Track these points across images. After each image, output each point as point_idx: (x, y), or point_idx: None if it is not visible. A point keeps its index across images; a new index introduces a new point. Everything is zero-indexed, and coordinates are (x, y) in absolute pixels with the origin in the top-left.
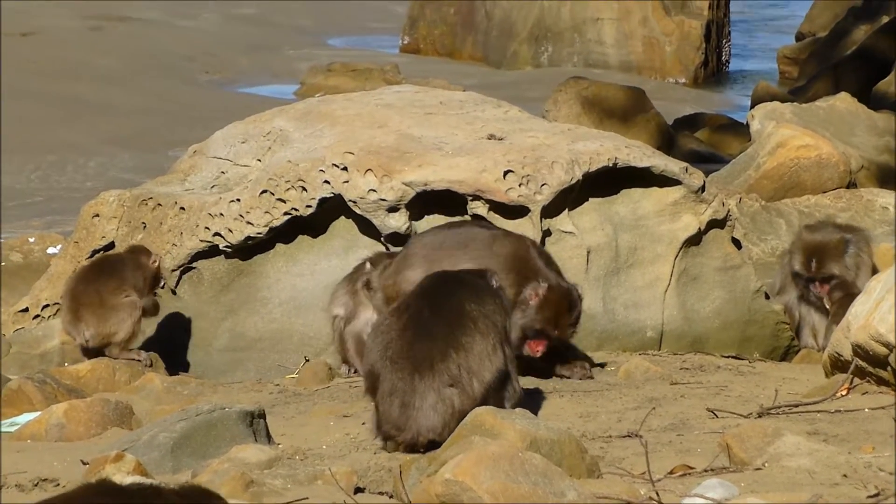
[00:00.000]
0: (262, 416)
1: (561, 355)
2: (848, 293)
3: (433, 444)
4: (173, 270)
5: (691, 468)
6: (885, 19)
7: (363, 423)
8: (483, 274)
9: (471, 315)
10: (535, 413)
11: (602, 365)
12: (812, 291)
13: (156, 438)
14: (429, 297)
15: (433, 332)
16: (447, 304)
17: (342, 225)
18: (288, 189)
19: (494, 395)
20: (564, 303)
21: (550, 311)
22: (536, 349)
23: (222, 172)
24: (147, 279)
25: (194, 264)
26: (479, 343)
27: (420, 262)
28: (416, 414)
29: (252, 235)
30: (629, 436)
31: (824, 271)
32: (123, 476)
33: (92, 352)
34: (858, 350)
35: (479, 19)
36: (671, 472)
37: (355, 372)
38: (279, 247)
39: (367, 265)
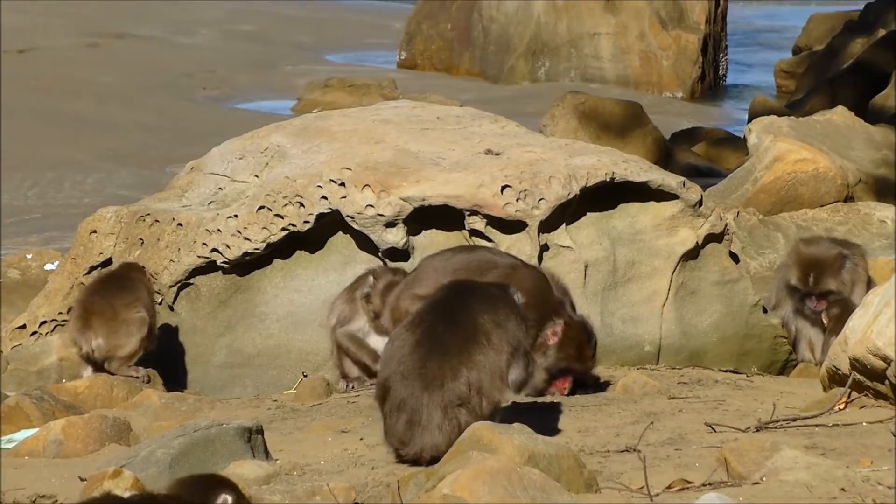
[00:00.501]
0: (260, 431)
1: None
2: (844, 308)
3: (436, 460)
4: (171, 286)
5: (689, 482)
6: (882, 33)
7: (361, 439)
8: (503, 286)
9: (485, 329)
10: (533, 428)
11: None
12: (808, 306)
13: (154, 454)
14: (443, 310)
15: (446, 349)
16: (461, 318)
17: (340, 240)
18: (285, 205)
19: (501, 407)
20: (583, 336)
21: (572, 348)
22: (564, 387)
23: (220, 188)
24: (153, 297)
25: (192, 280)
26: (493, 359)
27: (433, 285)
28: (421, 431)
29: (250, 251)
30: (627, 450)
31: (821, 286)
32: (121, 492)
33: (93, 362)
34: (856, 364)
35: (475, 34)
36: (669, 487)
37: (353, 387)
38: (277, 262)
39: (371, 278)
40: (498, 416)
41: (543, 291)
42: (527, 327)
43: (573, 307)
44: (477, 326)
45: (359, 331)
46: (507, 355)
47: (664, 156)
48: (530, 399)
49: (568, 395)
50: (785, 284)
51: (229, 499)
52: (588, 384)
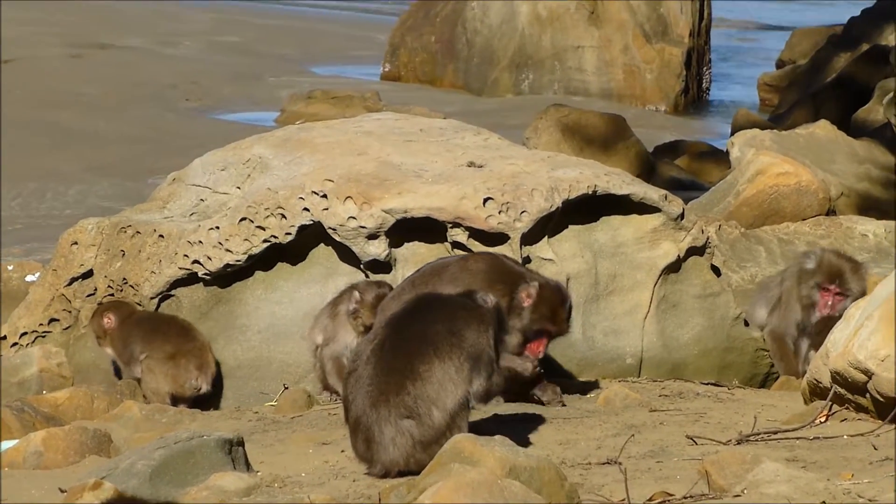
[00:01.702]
0: (241, 443)
1: (538, 379)
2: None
3: (406, 473)
4: (152, 298)
5: (670, 495)
6: (865, 47)
7: (342, 451)
8: (469, 294)
9: (432, 339)
10: (515, 440)
11: (583, 391)
12: (817, 312)
13: (134, 466)
14: (395, 325)
15: (391, 365)
16: (410, 331)
17: (322, 252)
18: (267, 216)
19: (462, 414)
20: (558, 297)
21: (547, 308)
22: (538, 350)
23: (201, 200)
24: None
25: (173, 292)
26: (438, 369)
27: (398, 298)
28: (378, 448)
29: (231, 263)
30: (608, 463)
31: (847, 286)
32: None
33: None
34: (837, 377)
35: (459, 47)
36: (650, 499)
37: (336, 399)
38: (258, 274)
39: (356, 293)
40: (463, 421)
41: (500, 266)
42: (494, 334)
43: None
44: (425, 338)
45: (345, 348)
46: (461, 361)
47: (647, 169)
48: (511, 411)
49: (556, 403)
50: (806, 285)
51: None
52: (573, 391)
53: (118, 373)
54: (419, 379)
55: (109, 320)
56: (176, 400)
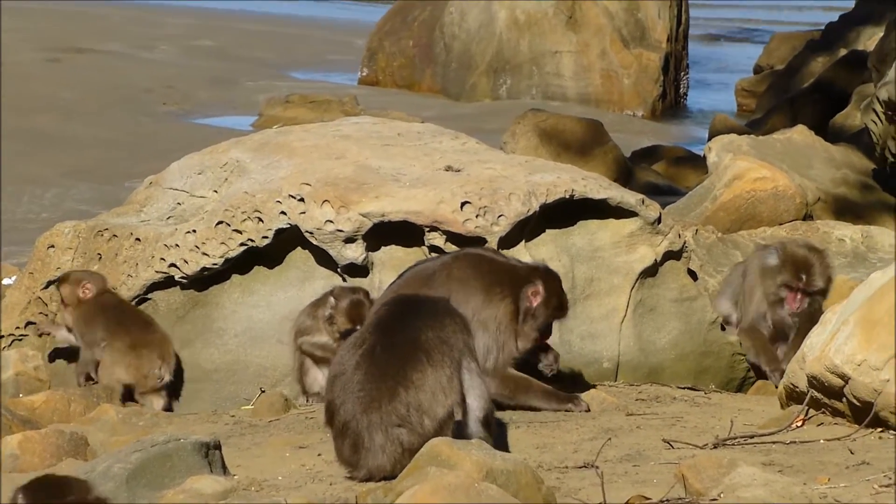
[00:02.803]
0: (218, 447)
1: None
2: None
3: (391, 477)
4: (129, 301)
5: (647, 499)
6: (843, 52)
7: (319, 454)
8: (445, 300)
9: (425, 347)
10: (492, 443)
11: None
12: (787, 308)
13: (111, 469)
14: (383, 330)
15: (384, 371)
16: (400, 337)
17: (299, 256)
18: (244, 220)
19: (449, 422)
20: (558, 283)
21: (556, 299)
22: (547, 336)
23: (178, 203)
24: None
25: (150, 295)
26: (431, 377)
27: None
28: (365, 454)
29: (208, 266)
30: (585, 466)
31: (814, 284)
32: None
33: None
34: (814, 381)
35: (437, 52)
36: (627, 503)
37: (312, 402)
38: (235, 278)
39: (331, 299)
40: (449, 430)
41: (492, 263)
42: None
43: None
44: (417, 345)
45: (325, 344)
46: (452, 371)
47: (624, 174)
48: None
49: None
50: (772, 284)
51: None
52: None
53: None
54: (412, 387)
55: (87, 290)
56: (130, 391)
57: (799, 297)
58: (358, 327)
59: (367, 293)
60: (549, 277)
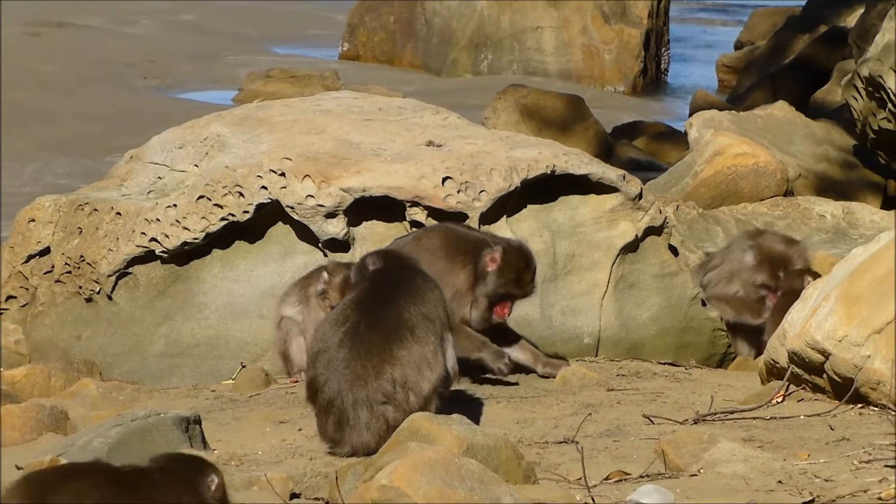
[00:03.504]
0: (198, 421)
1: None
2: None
3: (373, 453)
4: (109, 276)
5: (627, 474)
6: (824, 28)
7: (299, 430)
8: (426, 274)
9: (409, 323)
10: (472, 419)
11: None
12: (767, 304)
13: (91, 444)
14: (366, 307)
15: (368, 348)
16: (384, 314)
17: (279, 231)
18: (225, 195)
19: (434, 398)
20: (522, 259)
21: (512, 272)
22: (503, 313)
23: (159, 178)
24: None
25: (130, 269)
26: (416, 353)
27: None
28: (350, 431)
29: (188, 241)
30: (565, 442)
31: (791, 283)
32: None
33: None
34: (794, 357)
35: (418, 27)
36: (607, 478)
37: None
38: (216, 252)
39: (325, 274)
40: (433, 405)
41: (458, 234)
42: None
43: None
44: (401, 321)
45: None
46: (436, 345)
47: (605, 149)
48: (470, 390)
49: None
50: (751, 284)
51: (216, 479)
52: (530, 370)
53: (78, 350)
54: (398, 363)
55: None
56: None
57: (779, 294)
58: None
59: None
60: (512, 250)
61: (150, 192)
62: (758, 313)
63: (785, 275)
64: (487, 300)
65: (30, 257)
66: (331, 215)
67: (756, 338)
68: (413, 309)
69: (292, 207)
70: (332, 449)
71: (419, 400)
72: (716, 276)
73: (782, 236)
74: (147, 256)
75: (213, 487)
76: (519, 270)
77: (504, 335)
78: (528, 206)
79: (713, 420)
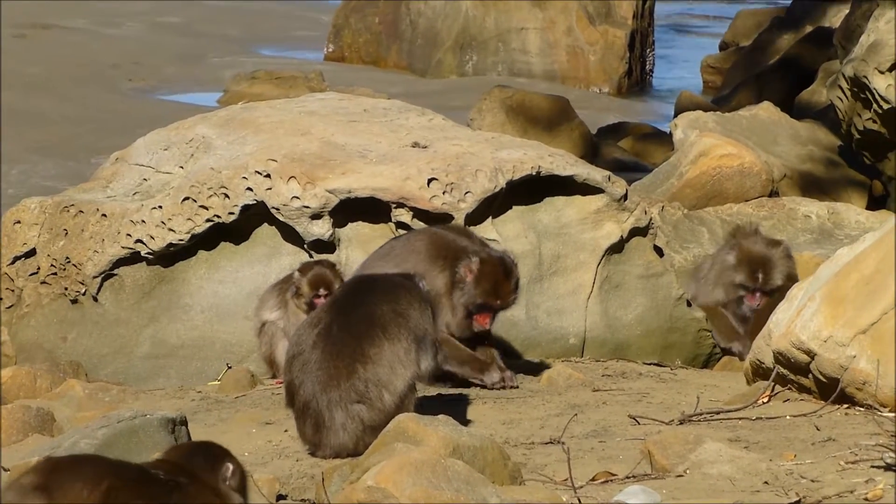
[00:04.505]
0: (184, 422)
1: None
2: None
3: (355, 454)
4: (95, 277)
5: (613, 475)
6: (809, 29)
7: (285, 431)
8: (408, 276)
9: (380, 322)
10: (458, 420)
11: (527, 371)
12: (746, 304)
13: (77, 445)
14: (339, 308)
15: (340, 349)
16: (356, 314)
17: (265, 232)
18: (210, 196)
19: (411, 396)
20: (500, 271)
21: (488, 283)
22: (484, 322)
23: (144, 179)
24: None
25: (116, 271)
26: (388, 352)
27: None
28: (327, 433)
29: (174, 242)
30: (551, 442)
31: (771, 283)
32: None
33: None
34: (780, 357)
35: (403, 28)
36: (593, 479)
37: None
38: (201, 254)
39: (296, 273)
40: (411, 403)
41: (441, 241)
42: (434, 315)
43: (486, 246)
44: (373, 320)
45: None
46: (409, 342)
47: (590, 150)
48: (456, 391)
49: (501, 388)
50: (730, 283)
51: (231, 466)
52: (516, 371)
53: (64, 351)
54: (370, 362)
55: None
56: None
57: (758, 295)
58: (321, 291)
59: (333, 265)
60: (490, 261)
61: (135, 193)
62: (732, 337)
63: (763, 277)
64: (465, 309)
65: (15, 259)
66: (316, 216)
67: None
68: (385, 307)
69: (278, 209)
70: (313, 452)
71: (394, 398)
72: (702, 286)
73: (765, 238)
74: (132, 258)
75: (229, 475)
76: (496, 282)
77: (479, 339)
78: (514, 207)
79: (699, 420)
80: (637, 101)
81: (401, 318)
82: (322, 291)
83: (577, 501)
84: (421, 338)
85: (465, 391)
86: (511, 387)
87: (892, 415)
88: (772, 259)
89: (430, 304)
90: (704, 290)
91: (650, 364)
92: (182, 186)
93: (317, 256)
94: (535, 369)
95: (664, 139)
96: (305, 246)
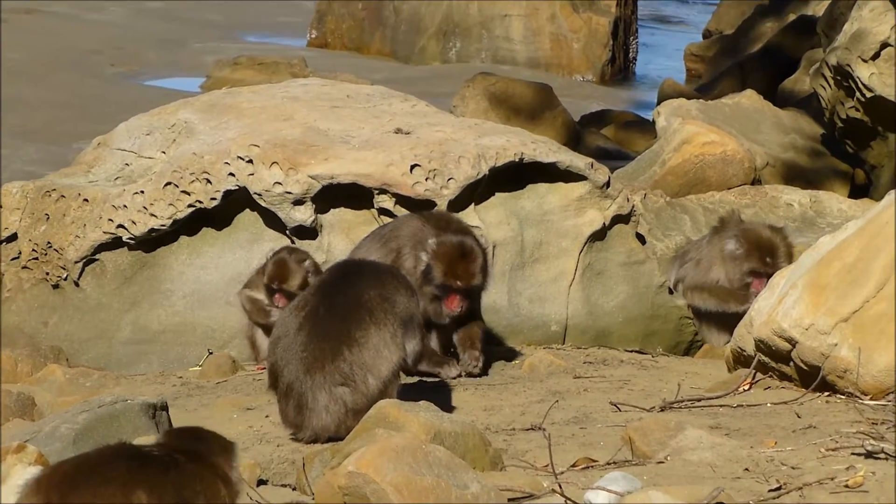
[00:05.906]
0: (165, 408)
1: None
2: None
3: (335, 439)
4: (76, 262)
5: (594, 461)
6: (792, 17)
7: (266, 416)
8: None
9: (367, 306)
10: (439, 406)
11: (508, 357)
12: (753, 290)
13: (58, 430)
14: (326, 291)
15: (327, 331)
16: (343, 297)
17: (247, 218)
18: (192, 181)
19: (395, 382)
20: (454, 251)
21: (445, 263)
22: (452, 306)
23: (126, 164)
24: None
25: (97, 256)
26: (375, 335)
27: None
28: (310, 415)
29: (156, 227)
30: (532, 429)
31: (779, 265)
32: (24, 467)
33: None
34: (761, 345)
35: (387, 14)
36: (574, 465)
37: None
38: (183, 239)
39: (268, 256)
40: (395, 389)
41: (412, 231)
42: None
43: (463, 231)
44: (360, 304)
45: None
46: (396, 327)
47: (573, 138)
48: (437, 378)
49: (479, 374)
50: (738, 271)
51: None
52: (498, 358)
53: (45, 336)
54: (356, 345)
55: None
56: None
57: (766, 280)
58: (275, 285)
59: (302, 257)
60: (444, 242)
61: (117, 178)
62: (743, 299)
63: (772, 261)
64: (432, 294)
65: None
66: (298, 202)
67: (729, 327)
68: (372, 292)
69: (260, 194)
70: (294, 434)
71: (378, 382)
72: (692, 268)
73: (763, 223)
74: (114, 243)
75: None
76: (451, 262)
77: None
78: (497, 193)
79: (680, 407)
80: (620, 89)
81: (387, 302)
82: (276, 285)
83: (558, 487)
84: (407, 323)
85: (446, 378)
86: (474, 375)
87: (873, 402)
88: (777, 243)
89: (415, 288)
90: (695, 273)
91: (631, 351)
92: (164, 172)
93: (299, 243)
94: (517, 356)
95: (647, 127)
96: (288, 232)
